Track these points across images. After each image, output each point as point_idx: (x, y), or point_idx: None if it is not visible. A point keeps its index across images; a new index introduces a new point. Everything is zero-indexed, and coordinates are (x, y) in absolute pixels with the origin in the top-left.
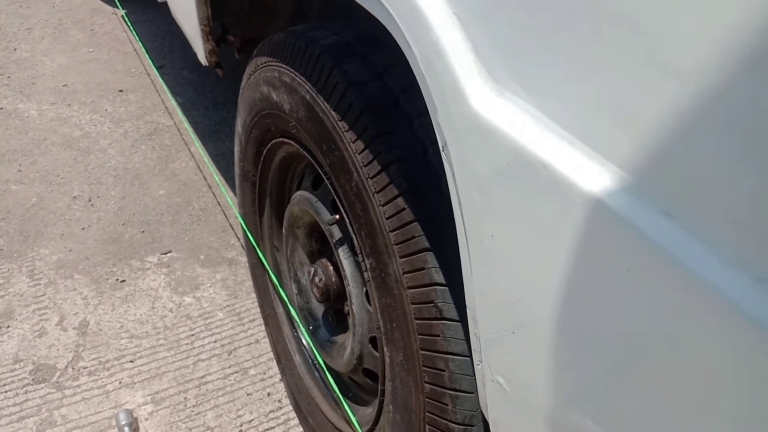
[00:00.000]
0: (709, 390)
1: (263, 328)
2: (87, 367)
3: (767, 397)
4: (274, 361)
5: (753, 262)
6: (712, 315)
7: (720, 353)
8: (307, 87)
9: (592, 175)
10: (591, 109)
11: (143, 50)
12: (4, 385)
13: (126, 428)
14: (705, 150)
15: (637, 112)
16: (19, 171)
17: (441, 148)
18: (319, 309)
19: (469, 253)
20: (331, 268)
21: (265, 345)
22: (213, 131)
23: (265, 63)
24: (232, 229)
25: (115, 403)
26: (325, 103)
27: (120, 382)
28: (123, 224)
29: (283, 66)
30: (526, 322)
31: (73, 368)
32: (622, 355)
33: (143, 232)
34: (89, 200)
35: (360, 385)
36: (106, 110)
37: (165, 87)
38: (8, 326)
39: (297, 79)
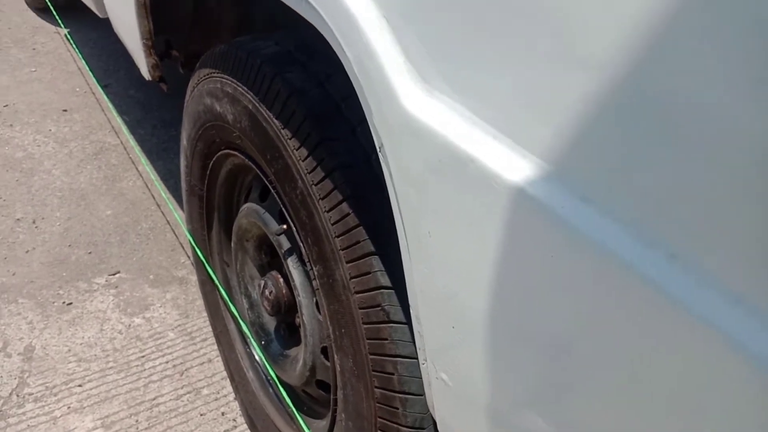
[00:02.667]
0: (636, 370)
1: (215, 346)
2: (33, 394)
3: (687, 372)
4: (228, 380)
5: (665, 239)
6: (632, 294)
7: (642, 332)
8: (249, 96)
9: (515, 167)
10: (511, 103)
11: (87, 69)
12: None
13: None
14: (614, 136)
15: (552, 104)
16: None
17: (378, 149)
18: (270, 323)
19: (409, 252)
20: (281, 279)
21: (218, 364)
22: (161, 149)
23: (207, 75)
24: (182, 247)
25: (64, 430)
26: (267, 111)
27: (68, 408)
28: (69, 246)
29: (226, 77)
30: (463, 317)
31: (17, 395)
32: (554, 344)
33: (90, 253)
34: (33, 222)
35: (314, 397)
36: (50, 130)
37: (111, 106)
38: None
39: (239, 89)
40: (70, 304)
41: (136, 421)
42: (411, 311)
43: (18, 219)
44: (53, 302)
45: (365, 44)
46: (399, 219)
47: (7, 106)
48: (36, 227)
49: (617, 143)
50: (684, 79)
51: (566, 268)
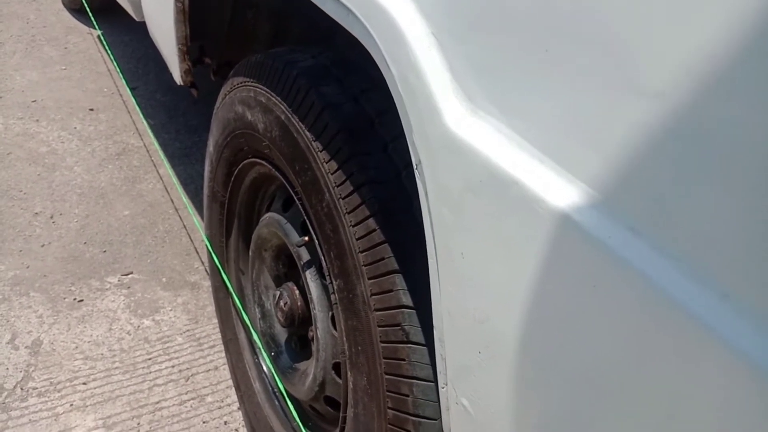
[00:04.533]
0: (678, 408)
1: (223, 354)
2: (37, 388)
3: (733, 409)
4: (233, 389)
5: (716, 277)
6: (678, 330)
7: (688, 369)
8: (282, 107)
9: (561, 192)
10: (560, 127)
11: (117, 70)
12: None
13: None
14: (669, 168)
15: (605, 131)
16: None
17: (414, 166)
18: (282, 334)
19: (439, 272)
20: (297, 291)
21: (225, 372)
22: (183, 154)
23: (241, 83)
24: (197, 252)
25: (65, 427)
26: (300, 123)
27: (71, 405)
28: (84, 243)
29: (260, 86)
30: (493, 342)
31: (22, 389)
32: (589, 377)
33: (105, 251)
34: (51, 217)
35: (321, 413)
36: (75, 128)
37: (137, 108)
38: None
39: (273, 99)
40: (81, 301)
41: (138, 423)
42: (434, 333)
43: (36, 213)
44: (64, 298)
45: (412, 60)
46: (430, 237)
47: (35, 101)
48: (53, 222)
49: (670, 176)
50: (743, 114)
51: (609, 300)
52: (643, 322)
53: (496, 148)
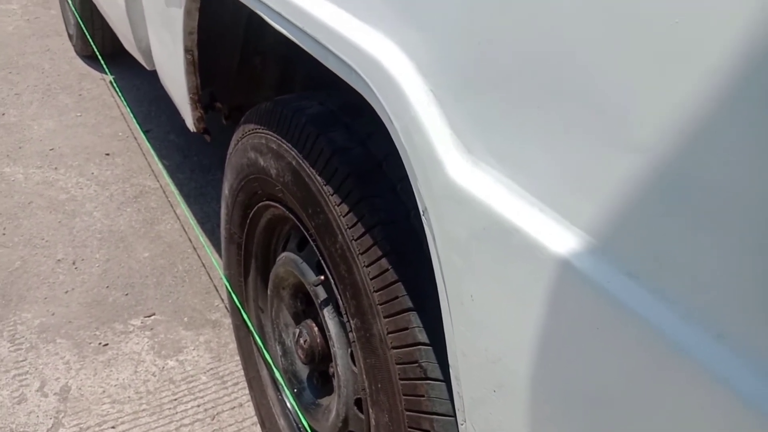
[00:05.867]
0: None
1: (246, 391)
2: None
3: None
4: (258, 425)
5: (711, 318)
6: (678, 372)
7: (686, 409)
8: (293, 153)
9: (560, 239)
10: (557, 178)
11: (130, 114)
12: None
13: None
14: (661, 214)
15: (598, 181)
16: (3, 234)
17: (422, 213)
18: (303, 371)
19: (451, 314)
20: (316, 329)
21: (249, 409)
22: (198, 194)
23: (252, 130)
24: (217, 290)
25: None
26: (310, 168)
27: None
28: (107, 287)
29: (270, 133)
30: (506, 381)
31: None
32: (597, 413)
33: (127, 294)
34: (73, 263)
35: None
36: (93, 173)
37: (152, 150)
38: None
39: (283, 145)
40: (106, 345)
41: None
42: (450, 371)
43: (59, 260)
44: (90, 343)
45: (412, 116)
46: (441, 281)
47: (53, 149)
48: (76, 268)
49: (662, 222)
50: (730, 167)
51: (611, 341)
52: (643, 361)
53: (497, 198)
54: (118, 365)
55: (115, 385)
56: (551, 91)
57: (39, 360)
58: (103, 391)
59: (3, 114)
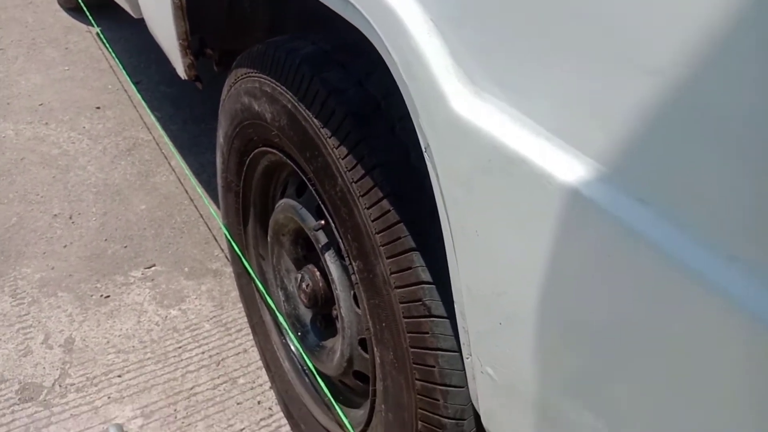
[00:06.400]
0: (691, 370)
1: (250, 337)
2: (74, 384)
3: (745, 371)
4: (263, 370)
5: (723, 240)
6: (688, 292)
7: (699, 331)
8: (288, 96)
9: (569, 168)
10: (565, 105)
11: (120, 66)
12: None
13: None
14: (674, 139)
15: (610, 107)
16: None
17: (423, 149)
18: (306, 315)
19: (455, 249)
20: (317, 273)
21: (253, 354)
22: (192, 144)
23: (245, 74)
24: (216, 240)
25: (105, 419)
26: (306, 111)
27: (108, 398)
28: (105, 240)
29: (264, 77)
30: (512, 313)
31: (60, 385)
32: (606, 340)
33: (126, 247)
34: (70, 217)
35: (350, 387)
36: (84, 127)
37: (143, 102)
38: None
39: (278, 88)
40: (108, 297)
41: (175, 410)
42: (455, 307)
43: (55, 215)
44: (91, 295)
45: (412, 48)
46: (445, 217)
47: (42, 104)
48: (73, 222)
49: (674, 146)
50: (743, 86)
51: (622, 269)
52: (655, 287)
53: (502, 128)
54: (121, 316)
55: (119, 336)
56: (558, 14)
57: (41, 313)
58: (108, 342)
59: None
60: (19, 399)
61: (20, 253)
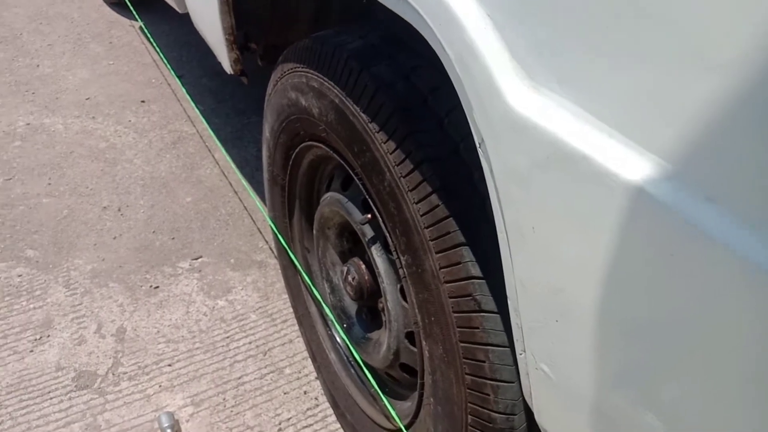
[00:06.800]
0: (759, 370)
1: (295, 328)
2: (127, 373)
3: None
4: (309, 360)
5: None
6: (758, 295)
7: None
8: (336, 91)
9: (633, 165)
10: (630, 102)
11: (162, 60)
12: (49, 392)
13: (168, 430)
14: (744, 136)
15: (678, 103)
16: (49, 184)
17: (477, 145)
18: (352, 307)
19: (509, 246)
20: (363, 266)
21: (299, 344)
22: (235, 137)
23: (291, 69)
24: (260, 232)
25: (156, 407)
26: (354, 105)
27: (160, 386)
28: (153, 232)
29: (311, 71)
30: (569, 310)
31: (113, 374)
32: (669, 339)
33: (173, 238)
34: (119, 210)
35: (396, 379)
36: (130, 121)
37: (188, 95)
38: (48, 335)
39: (325, 83)
40: (157, 287)
41: (224, 399)
42: (509, 303)
43: (104, 207)
44: (141, 286)
45: (468, 43)
46: (499, 213)
47: (89, 99)
48: (122, 215)
49: (746, 143)
50: None
51: (687, 268)
52: (723, 286)
53: (562, 124)
54: (170, 306)
55: (169, 326)
56: (623, 9)
57: (94, 303)
58: (158, 332)
59: (38, 65)
60: (75, 386)
61: (72, 245)
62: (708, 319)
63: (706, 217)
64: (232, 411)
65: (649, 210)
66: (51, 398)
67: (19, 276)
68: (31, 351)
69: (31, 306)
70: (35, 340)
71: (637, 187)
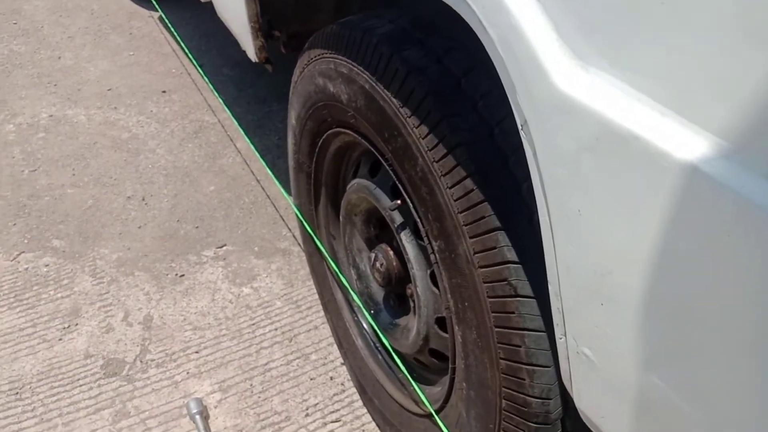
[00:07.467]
0: None
1: (321, 314)
2: (155, 360)
3: None
4: (334, 346)
5: None
6: None
7: None
8: (365, 76)
9: (688, 145)
10: (684, 80)
11: (183, 50)
12: (78, 379)
13: (197, 416)
14: None
15: (734, 82)
16: (74, 175)
17: (519, 127)
18: (379, 293)
19: (553, 229)
20: (391, 252)
21: (324, 330)
22: (256, 126)
23: (319, 55)
24: (283, 220)
25: (185, 393)
26: (385, 90)
27: (187, 373)
28: (177, 221)
29: (339, 57)
30: (617, 294)
31: (141, 361)
32: (722, 324)
33: (197, 227)
34: (143, 199)
35: (425, 364)
36: (152, 111)
37: (210, 85)
38: (77, 324)
39: (355, 69)
40: (183, 275)
41: (251, 385)
42: (549, 287)
43: (129, 197)
44: (167, 274)
45: (512, 23)
46: (542, 196)
47: (110, 89)
48: (146, 204)
49: None
50: None
51: (746, 248)
52: None
53: (612, 104)
54: (196, 294)
55: (195, 313)
56: None
57: (120, 292)
58: (184, 319)
59: (59, 57)
60: (104, 374)
61: (98, 234)
62: (764, 296)
63: (764, 195)
64: (259, 397)
65: (705, 189)
66: (81, 385)
67: (47, 266)
68: (60, 339)
69: (59, 295)
70: (64, 328)
71: (692, 166)
